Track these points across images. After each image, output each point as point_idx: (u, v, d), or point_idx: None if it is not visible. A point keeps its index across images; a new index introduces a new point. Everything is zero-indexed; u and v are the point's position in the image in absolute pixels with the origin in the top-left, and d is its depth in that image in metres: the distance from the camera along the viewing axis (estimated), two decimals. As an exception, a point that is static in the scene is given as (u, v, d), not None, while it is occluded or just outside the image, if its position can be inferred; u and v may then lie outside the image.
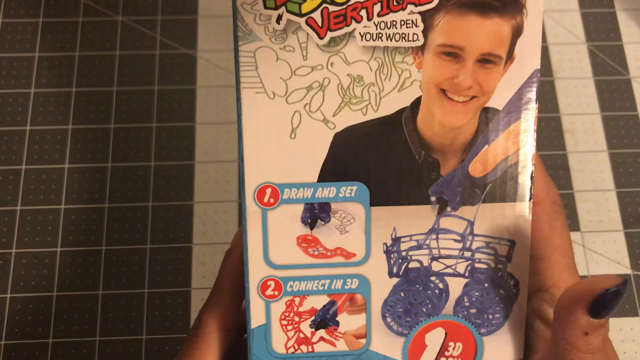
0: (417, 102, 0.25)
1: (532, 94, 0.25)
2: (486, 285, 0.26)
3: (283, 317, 0.25)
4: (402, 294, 0.26)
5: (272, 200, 0.25)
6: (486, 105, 0.25)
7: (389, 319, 0.26)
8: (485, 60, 0.24)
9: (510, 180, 0.25)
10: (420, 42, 0.24)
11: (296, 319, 0.26)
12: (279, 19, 0.23)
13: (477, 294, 0.26)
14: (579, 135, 0.53)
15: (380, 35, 0.24)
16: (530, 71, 0.24)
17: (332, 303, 0.26)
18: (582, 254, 0.49)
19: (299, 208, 0.25)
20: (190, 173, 0.50)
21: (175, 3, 0.55)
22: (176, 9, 0.54)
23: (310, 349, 0.26)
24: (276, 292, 0.25)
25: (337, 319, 0.26)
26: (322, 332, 0.26)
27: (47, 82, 0.52)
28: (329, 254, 0.25)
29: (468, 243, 0.26)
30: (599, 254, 0.49)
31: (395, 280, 0.26)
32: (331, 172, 0.25)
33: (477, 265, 0.26)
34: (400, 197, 0.25)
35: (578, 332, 0.23)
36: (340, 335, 0.26)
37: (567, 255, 0.26)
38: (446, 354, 0.26)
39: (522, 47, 0.24)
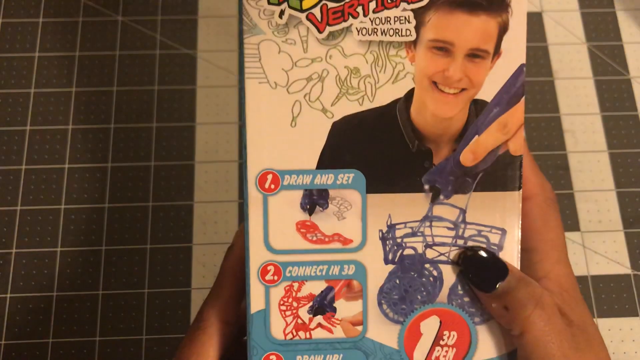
0: (410, 94, 0.26)
1: (519, 87, 0.26)
2: None
3: (282, 302, 0.27)
4: (397, 281, 0.27)
5: (272, 186, 0.26)
6: (476, 97, 0.26)
7: (384, 306, 0.27)
8: (474, 54, 0.26)
9: (500, 170, 0.27)
10: (413, 37, 0.25)
11: (294, 304, 0.27)
12: (281, 14, 0.25)
13: None
14: (578, 135, 0.53)
15: (375, 30, 0.25)
16: (516, 65, 0.26)
17: (329, 289, 0.27)
18: (582, 254, 0.50)
19: (299, 194, 0.26)
20: (190, 173, 0.50)
21: (175, 3, 0.55)
22: (176, 9, 0.55)
23: (308, 336, 0.27)
24: (275, 277, 0.26)
25: (334, 305, 0.27)
26: (319, 319, 0.27)
27: (47, 82, 0.52)
28: (326, 239, 0.26)
29: (461, 231, 0.27)
30: (599, 254, 0.50)
31: (390, 267, 0.27)
32: (329, 159, 0.26)
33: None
34: (395, 184, 0.26)
35: (499, 310, 0.25)
36: (338, 322, 0.26)
37: (559, 248, 0.27)
38: (441, 342, 0.27)
39: (508, 43, 0.26)
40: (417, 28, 0.25)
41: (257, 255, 0.26)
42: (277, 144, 0.26)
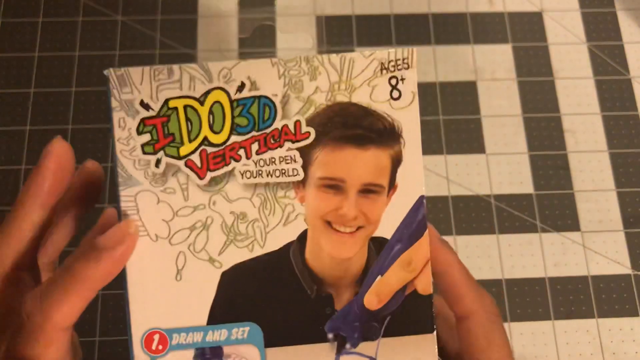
0: (303, 236, 0.25)
1: (420, 221, 0.25)
2: None
3: None
4: None
5: (160, 347, 0.24)
6: (374, 235, 0.25)
7: None
8: (368, 190, 0.25)
9: (410, 311, 0.25)
10: (301, 177, 0.24)
11: None
12: (157, 162, 0.24)
13: None
14: (579, 135, 0.53)
15: (260, 172, 0.24)
16: (415, 198, 0.25)
17: None
18: (582, 254, 0.50)
19: (190, 354, 0.24)
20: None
21: (175, 3, 0.55)
22: (176, 8, 0.55)
23: None
24: None
25: None
26: None
27: (47, 82, 0.52)
28: None
29: None
30: (599, 254, 0.50)
31: None
32: (221, 313, 0.24)
33: None
34: (296, 335, 0.25)
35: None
36: None
37: None
38: None
39: (403, 175, 0.25)
40: (305, 167, 0.24)
41: None
42: (163, 301, 0.24)
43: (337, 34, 0.56)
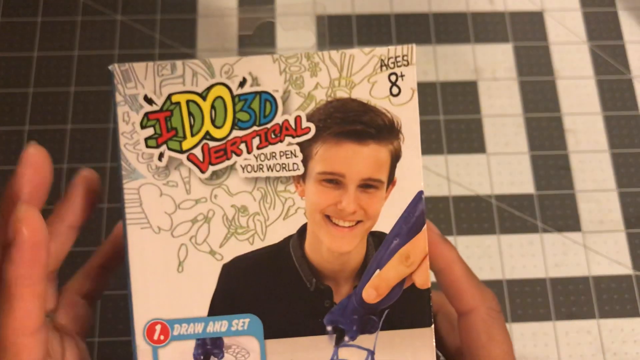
0: (303, 229, 0.25)
1: (419, 216, 0.25)
2: None
3: None
4: None
5: (162, 337, 0.25)
6: (373, 229, 0.25)
7: None
8: (367, 185, 0.25)
9: (407, 305, 0.25)
10: (301, 171, 0.25)
11: None
12: (160, 156, 0.25)
13: None
14: (580, 135, 0.53)
15: (261, 166, 0.25)
16: (413, 193, 0.25)
17: None
18: (583, 254, 0.50)
19: (191, 344, 0.25)
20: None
21: (175, 2, 0.55)
22: (175, 8, 0.55)
23: None
24: None
25: None
26: None
27: (47, 81, 0.52)
28: None
29: None
30: (600, 254, 0.50)
31: None
32: (222, 304, 0.25)
33: None
34: (295, 328, 0.25)
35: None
36: None
37: None
38: None
39: (402, 171, 0.25)
40: (305, 161, 0.25)
41: None
42: (165, 292, 0.25)
43: (338, 33, 0.56)
